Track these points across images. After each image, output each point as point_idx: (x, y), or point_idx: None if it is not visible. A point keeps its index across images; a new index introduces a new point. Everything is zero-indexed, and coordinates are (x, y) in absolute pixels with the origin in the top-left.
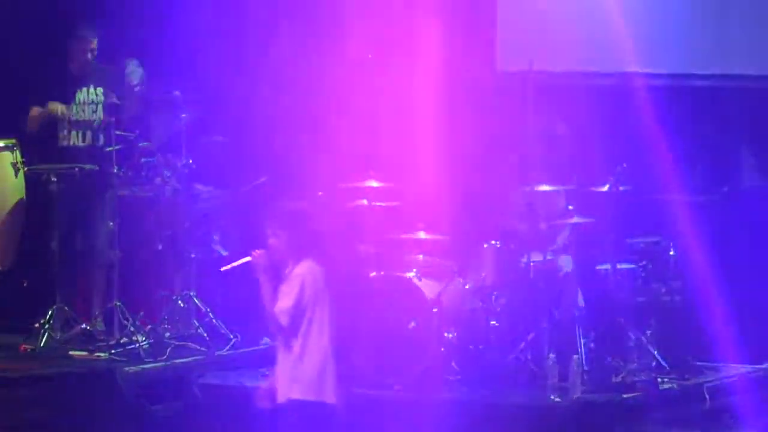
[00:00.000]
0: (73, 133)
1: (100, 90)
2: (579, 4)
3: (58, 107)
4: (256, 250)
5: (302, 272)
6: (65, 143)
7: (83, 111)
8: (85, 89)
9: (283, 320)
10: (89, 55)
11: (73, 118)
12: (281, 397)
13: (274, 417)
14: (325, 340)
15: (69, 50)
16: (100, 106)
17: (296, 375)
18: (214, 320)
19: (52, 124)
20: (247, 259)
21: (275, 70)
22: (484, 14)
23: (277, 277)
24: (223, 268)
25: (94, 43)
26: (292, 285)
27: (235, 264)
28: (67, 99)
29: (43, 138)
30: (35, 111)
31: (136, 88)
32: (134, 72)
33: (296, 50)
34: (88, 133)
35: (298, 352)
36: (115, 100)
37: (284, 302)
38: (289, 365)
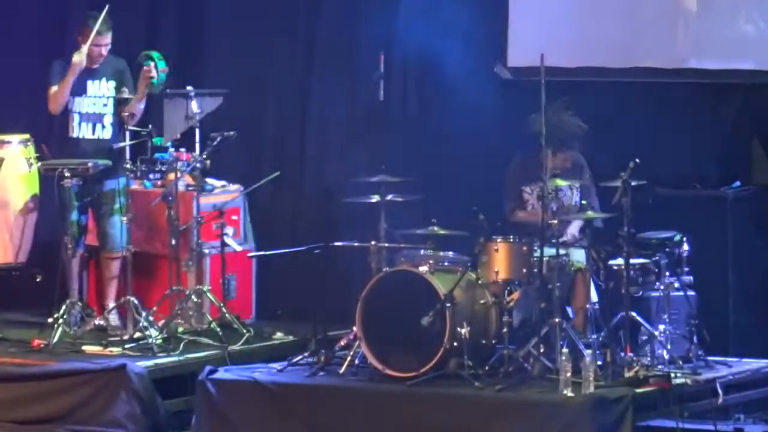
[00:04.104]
0: (83, 124)
1: (112, 83)
2: None
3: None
4: None
5: None
6: (74, 135)
7: (94, 104)
8: (97, 81)
9: None
10: (104, 51)
11: (84, 111)
12: None
13: None
14: None
15: (80, 41)
16: (110, 100)
17: None
18: (227, 315)
19: (64, 114)
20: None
21: (289, 63)
22: (496, 9)
23: None
24: None
25: (109, 38)
26: None
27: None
28: (79, 91)
29: (54, 131)
30: (53, 89)
31: (155, 82)
32: (154, 69)
33: (310, 42)
34: (98, 126)
35: None
36: (126, 95)
37: None
38: None
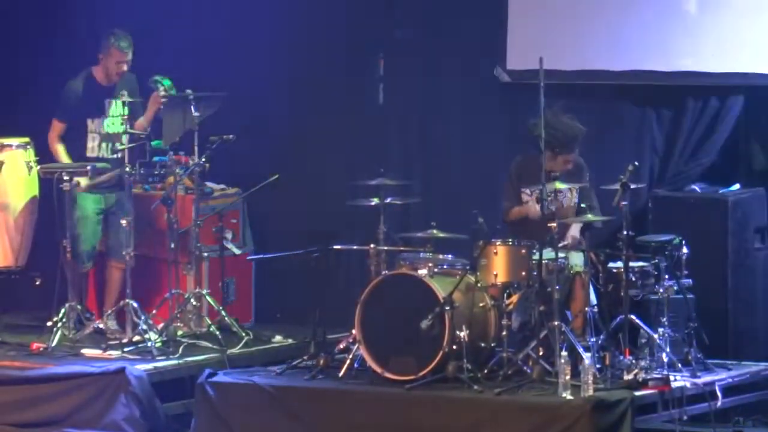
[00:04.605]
0: (103, 144)
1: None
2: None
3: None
4: None
5: None
6: (94, 155)
7: (113, 123)
8: (115, 101)
9: None
10: (125, 68)
11: (104, 131)
12: None
13: None
14: None
15: (101, 59)
16: (125, 119)
17: None
18: (226, 318)
19: (81, 134)
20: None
21: (288, 69)
22: (495, 12)
23: None
24: None
25: (130, 54)
26: None
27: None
28: (98, 112)
29: (67, 147)
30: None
31: (162, 101)
32: (166, 91)
33: (310, 48)
34: (117, 145)
35: None
36: (127, 98)
37: None
38: None
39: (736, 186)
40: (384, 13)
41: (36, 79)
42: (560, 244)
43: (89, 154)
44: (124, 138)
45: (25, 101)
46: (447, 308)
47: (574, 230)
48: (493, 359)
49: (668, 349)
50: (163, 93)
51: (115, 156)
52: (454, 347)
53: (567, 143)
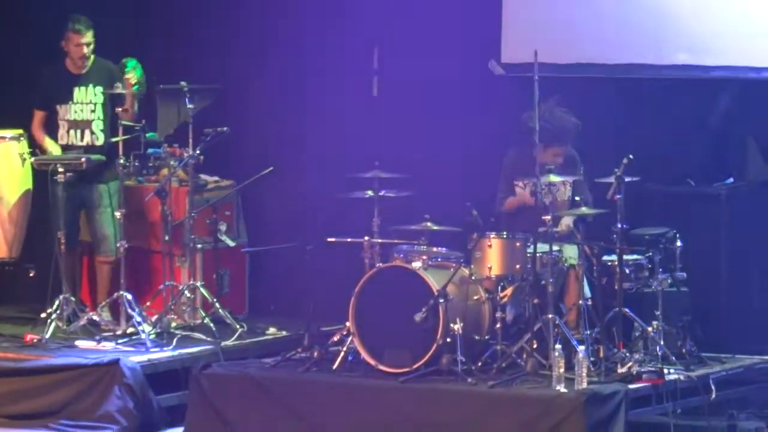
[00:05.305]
0: (71, 132)
1: (99, 89)
2: None
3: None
4: None
5: None
6: (63, 142)
7: (81, 111)
8: (83, 88)
9: None
10: (85, 50)
11: (71, 118)
12: None
13: None
14: None
15: (64, 46)
16: (99, 106)
17: None
18: (220, 310)
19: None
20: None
21: (283, 60)
22: (490, 5)
23: None
24: None
25: (89, 36)
26: None
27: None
28: (65, 98)
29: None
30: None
31: (135, 89)
32: (133, 72)
33: (303, 41)
34: (87, 132)
35: None
36: (119, 90)
37: None
38: None
39: (730, 180)
40: (377, 5)
41: (28, 70)
42: (555, 239)
43: (60, 141)
44: (87, 134)
45: (17, 92)
46: (441, 301)
47: (568, 218)
48: (487, 352)
49: (662, 342)
50: (130, 75)
51: (83, 144)
52: (448, 340)
53: (557, 136)
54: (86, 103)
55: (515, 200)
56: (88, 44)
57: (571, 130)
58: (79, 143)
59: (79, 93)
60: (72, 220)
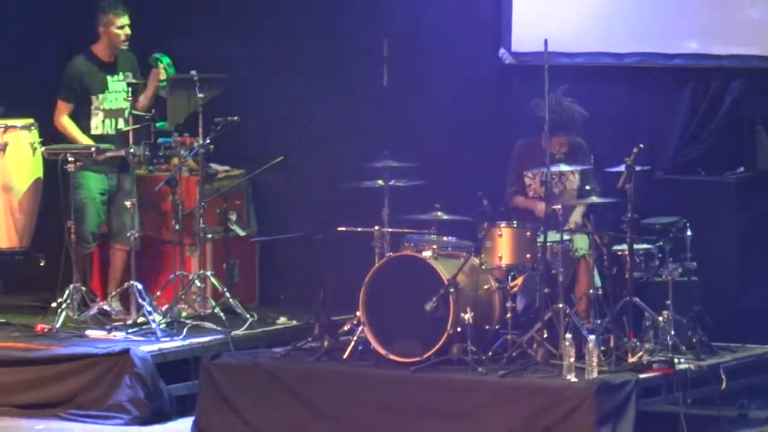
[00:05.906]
0: (107, 121)
1: (128, 75)
2: None
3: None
4: None
5: None
6: (98, 132)
7: (116, 99)
8: (116, 77)
9: None
10: (122, 36)
11: (107, 107)
12: None
13: None
14: None
15: (102, 32)
16: (126, 94)
17: None
18: (230, 300)
19: (85, 112)
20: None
21: (294, 51)
22: None
23: None
24: None
25: (127, 19)
26: None
27: None
28: (101, 88)
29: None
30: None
31: (162, 84)
32: (165, 69)
33: (315, 31)
34: (120, 120)
35: None
36: (131, 79)
37: None
38: None
39: (740, 168)
40: None
41: (42, 60)
42: (565, 228)
43: (94, 131)
44: (121, 122)
45: (30, 82)
46: (451, 290)
47: (576, 215)
48: (497, 341)
49: (672, 332)
50: (161, 70)
51: (116, 133)
52: (459, 329)
53: (562, 125)
54: (119, 91)
55: (527, 204)
56: (130, 26)
57: (576, 120)
58: (112, 132)
59: (113, 82)
60: (96, 213)
